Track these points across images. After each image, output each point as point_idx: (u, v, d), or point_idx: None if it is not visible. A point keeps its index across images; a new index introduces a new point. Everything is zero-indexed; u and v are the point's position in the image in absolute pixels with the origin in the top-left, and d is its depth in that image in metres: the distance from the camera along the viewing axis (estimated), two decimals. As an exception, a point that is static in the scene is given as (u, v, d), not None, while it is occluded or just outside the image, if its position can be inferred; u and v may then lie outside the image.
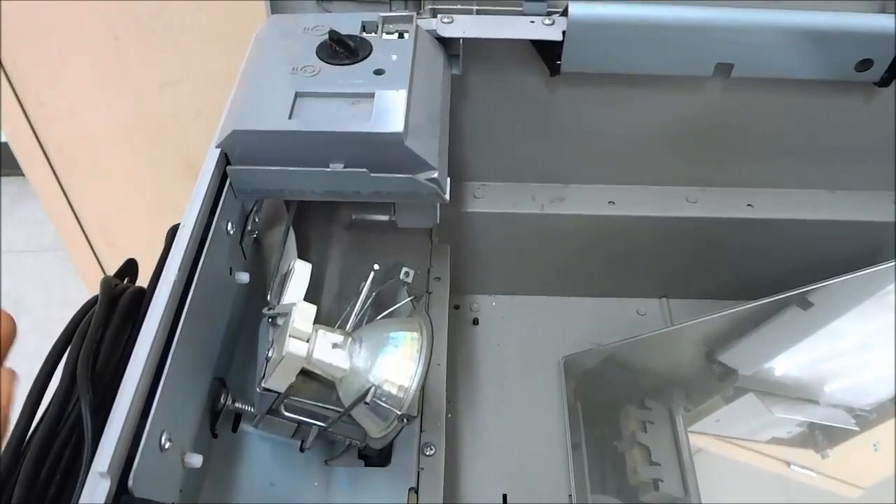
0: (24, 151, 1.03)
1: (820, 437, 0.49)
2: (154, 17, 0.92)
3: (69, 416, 0.34)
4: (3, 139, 1.05)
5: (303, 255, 0.45)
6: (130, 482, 0.29)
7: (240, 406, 0.42)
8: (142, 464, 0.29)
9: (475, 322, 0.69)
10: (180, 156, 1.05)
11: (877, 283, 0.53)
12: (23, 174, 1.07)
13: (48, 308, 1.50)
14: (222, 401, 0.41)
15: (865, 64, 0.52)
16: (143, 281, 0.39)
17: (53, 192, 1.09)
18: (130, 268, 0.41)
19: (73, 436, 0.33)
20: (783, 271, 0.62)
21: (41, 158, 1.04)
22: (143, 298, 0.38)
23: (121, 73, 0.96)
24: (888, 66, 0.52)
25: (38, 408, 0.34)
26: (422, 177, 0.41)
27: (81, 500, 0.27)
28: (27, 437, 0.32)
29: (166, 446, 0.32)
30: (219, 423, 0.41)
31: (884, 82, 0.53)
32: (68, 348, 0.36)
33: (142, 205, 1.11)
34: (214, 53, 0.92)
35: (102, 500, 0.27)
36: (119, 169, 1.08)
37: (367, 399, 0.37)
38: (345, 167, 0.41)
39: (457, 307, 0.69)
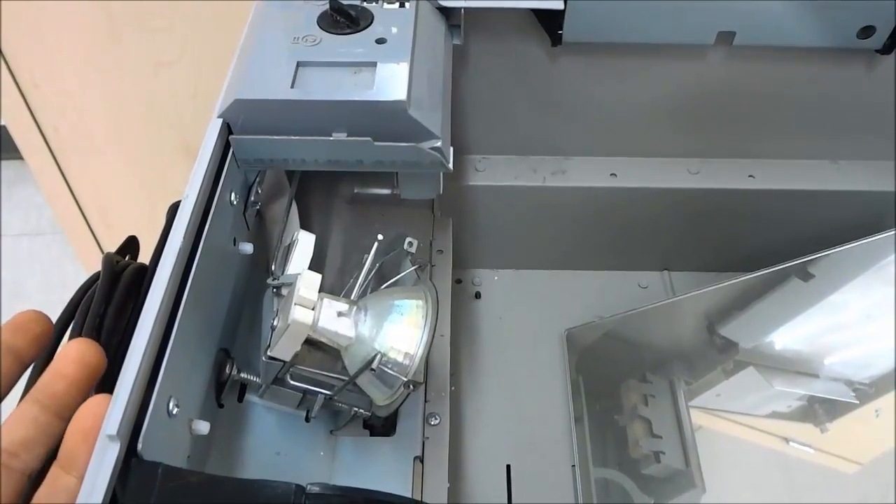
0: (20, 133, 1.02)
1: (819, 411, 0.49)
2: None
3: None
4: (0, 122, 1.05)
5: (305, 229, 0.45)
6: (140, 445, 0.29)
7: (245, 376, 0.42)
8: (150, 428, 0.29)
9: (477, 296, 0.69)
10: (177, 136, 1.05)
11: (877, 252, 0.53)
12: (19, 158, 1.07)
13: (47, 292, 1.50)
14: (227, 371, 0.41)
15: (867, 31, 0.52)
16: (143, 261, 0.39)
17: (51, 174, 1.09)
18: (132, 245, 0.41)
19: None
20: (785, 242, 0.62)
21: (38, 140, 1.04)
22: (145, 275, 0.37)
23: (115, 52, 0.95)
24: (890, 33, 0.52)
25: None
26: (425, 145, 0.41)
27: (91, 463, 0.28)
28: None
29: (174, 412, 0.32)
30: (224, 393, 0.41)
31: (886, 49, 0.53)
32: (70, 326, 0.36)
33: (139, 186, 1.11)
34: (209, 33, 0.91)
35: (112, 463, 0.27)
36: (115, 150, 1.07)
37: (374, 366, 0.37)
38: (348, 136, 0.40)
39: (459, 281, 0.69)
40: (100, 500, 0.27)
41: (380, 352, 0.37)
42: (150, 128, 1.04)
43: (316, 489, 0.28)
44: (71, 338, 0.35)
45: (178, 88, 0.99)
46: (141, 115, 1.03)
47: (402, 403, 0.40)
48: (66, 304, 0.37)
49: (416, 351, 0.37)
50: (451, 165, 0.42)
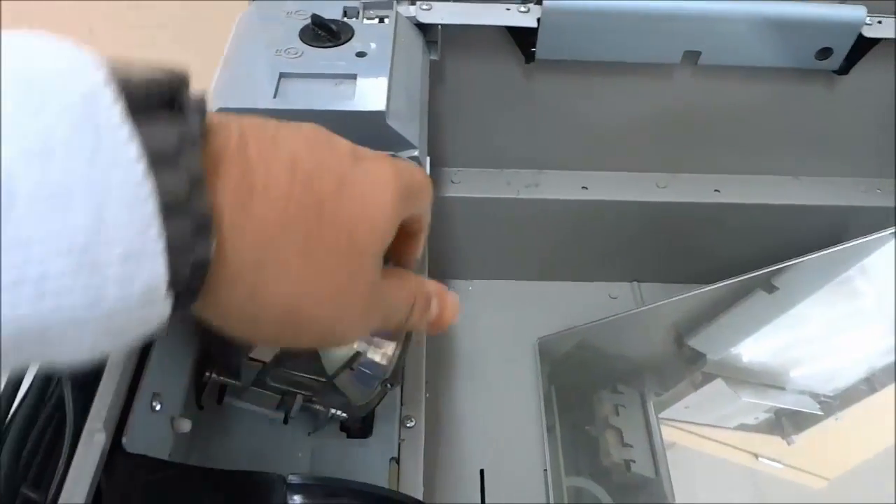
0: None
1: (786, 423, 0.51)
2: (129, 9, 0.92)
3: (51, 395, 0.34)
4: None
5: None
6: (124, 439, 0.30)
7: (224, 379, 0.42)
8: (135, 422, 0.30)
9: (452, 306, 0.70)
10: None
11: (838, 264, 0.55)
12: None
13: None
14: (207, 373, 0.42)
15: (825, 52, 0.54)
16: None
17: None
18: None
19: (53, 418, 0.34)
20: (750, 254, 0.64)
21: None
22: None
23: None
24: (846, 55, 0.54)
25: (17, 392, 0.34)
26: (403, 154, 0.42)
27: (76, 455, 0.28)
28: (6, 420, 0.33)
29: (157, 408, 0.33)
30: (204, 394, 0.42)
31: (842, 70, 0.56)
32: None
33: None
34: (191, 52, 0.92)
35: (98, 455, 0.28)
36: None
37: (354, 366, 0.38)
38: (328, 145, 0.42)
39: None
40: (85, 491, 0.27)
41: (359, 351, 0.38)
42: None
43: (297, 480, 0.29)
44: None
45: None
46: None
47: (378, 403, 0.41)
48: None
49: (395, 350, 0.38)
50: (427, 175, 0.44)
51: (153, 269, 0.20)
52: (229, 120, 0.24)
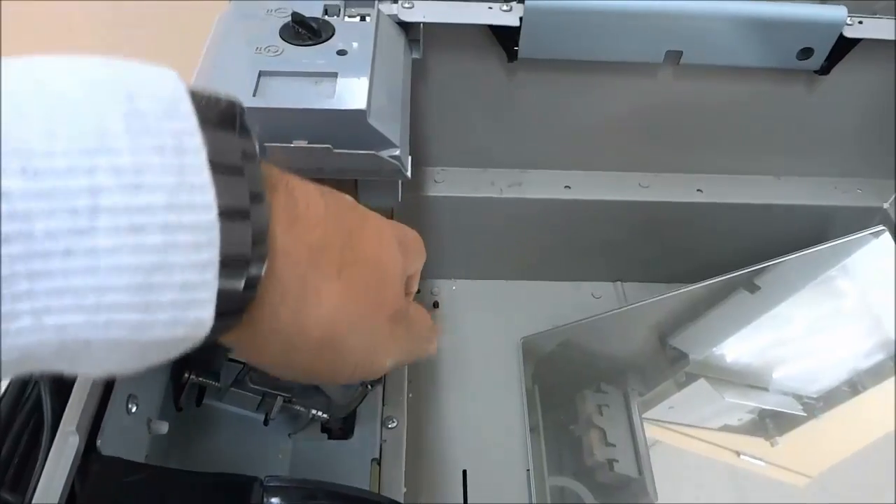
0: None
1: (769, 424, 0.51)
2: (108, 8, 0.91)
3: (29, 397, 0.34)
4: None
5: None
6: (98, 441, 0.29)
7: (203, 380, 0.42)
8: (109, 424, 0.30)
9: (435, 305, 0.70)
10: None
11: (819, 263, 0.55)
12: None
13: None
14: (186, 375, 0.41)
15: (806, 52, 0.54)
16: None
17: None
18: None
19: (31, 420, 0.33)
20: (732, 254, 0.64)
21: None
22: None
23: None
24: (827, 55, 0.55)
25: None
26: (384, 153, 0.42)
27: (50, 457, 0.28)
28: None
29: (133, 410, 0.33)
30: (183, 396, 0.41)
31: (823, 70, 0.56)
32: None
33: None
34: (170, 48, 0.91)
35: (72, 457, 0.28)
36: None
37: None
38: (308, 143, 0.41)
39: (417, 291, 0.69)
40: (58, 493, 0.27)
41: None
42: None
43: (274, 482, 0.29)
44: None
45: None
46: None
47: (359, 404, 0.41)
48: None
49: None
50: (409, 173, 0.44)
51: (207, 294, 0.20)
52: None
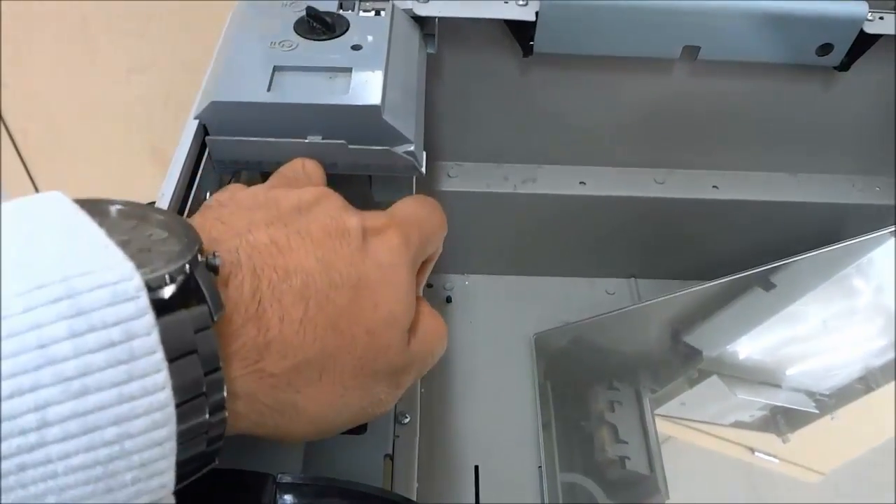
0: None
1: (781, 421, 0.51)
2: (122, 5, 0.91)
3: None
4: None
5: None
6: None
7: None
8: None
9: (448, 300, 0.70)
10: (148, 142, 1.05)
11: (835, 262, 0.54)
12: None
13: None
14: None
15: (825, 48, 0.54)
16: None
17: (18, 176, 1.08)
18: None
19: None
20: (747, 251, 0.64)
21: (6, 142, 1.03)
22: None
23: (88, 56, 0.95)
24: (847, 51, 0.54)
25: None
26: (399, 149, 0.42)
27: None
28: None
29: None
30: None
31: (843, 67, 0.55)
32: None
33: (108, 191, 1.10)
34: (182, 42, 0.92)
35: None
36: (85, 155, 1.07)
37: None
38: (323, 139, 0.41)
39: (430, 286, 0.70)
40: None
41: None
42: (121, 133, 1.04)
43: (287, 479, 0.29)
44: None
45: (150, 95, 0.99)
46: (112, 121, 1.02)
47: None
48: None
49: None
50: (423, 169, 0.43)
51: (167, 463, 0.21)
52: (240, 255, 0.25)
